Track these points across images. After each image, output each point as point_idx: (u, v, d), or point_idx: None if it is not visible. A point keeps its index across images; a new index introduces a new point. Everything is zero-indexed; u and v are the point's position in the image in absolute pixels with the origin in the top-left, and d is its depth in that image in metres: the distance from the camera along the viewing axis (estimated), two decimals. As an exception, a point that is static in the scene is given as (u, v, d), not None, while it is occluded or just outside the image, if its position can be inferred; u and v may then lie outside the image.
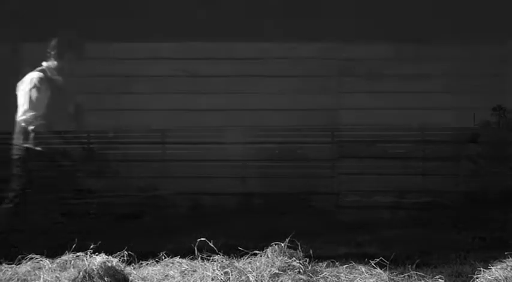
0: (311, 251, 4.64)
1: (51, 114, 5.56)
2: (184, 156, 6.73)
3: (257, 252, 4.73)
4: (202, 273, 4.37)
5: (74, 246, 4.65)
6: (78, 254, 4.55)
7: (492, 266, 4.31)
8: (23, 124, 5.53)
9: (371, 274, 4.36)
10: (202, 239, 4.95)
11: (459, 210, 6.50)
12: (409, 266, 4.59)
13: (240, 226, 6.07)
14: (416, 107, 6.60)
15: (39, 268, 4.46)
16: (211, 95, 6.77)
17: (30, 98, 5.57)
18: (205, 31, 6.71)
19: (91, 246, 4.62)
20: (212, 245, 4.81)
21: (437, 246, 5.68)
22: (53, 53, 5.70)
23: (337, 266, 4.56)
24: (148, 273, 4.49)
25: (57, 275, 4.29)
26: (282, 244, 4.71)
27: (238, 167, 6.68)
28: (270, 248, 4.70)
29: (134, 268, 4.57)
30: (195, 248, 4.83)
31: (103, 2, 6.88)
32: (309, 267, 4.50)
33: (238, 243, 5.25)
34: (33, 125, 5.51)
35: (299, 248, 4.71)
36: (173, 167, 6.79)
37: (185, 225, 6.08)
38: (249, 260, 4.56)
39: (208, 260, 4.59)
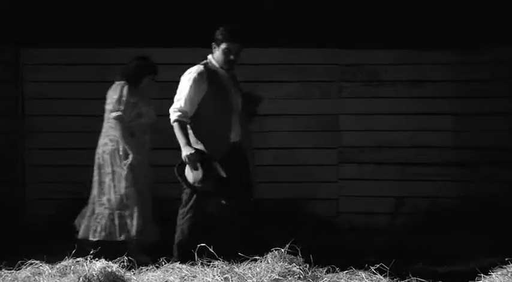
0: (311, 257, 4.63)
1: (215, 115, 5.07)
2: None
3: (257, 257, 4.73)
4: (203, 279, 4.36)
5: (73, 251, 4.64)
6: (78, 259, 4.54)
7: (493, 272, 4.31)
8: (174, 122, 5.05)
9: (371, 280, 4.35)
10: (202, 244, 4.95)
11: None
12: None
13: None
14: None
15: (39, 274, 4.45)
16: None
17: (184, 93, 5.07)
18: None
19: (91, 252, 4.62)
20: (212, 251, 4.81)
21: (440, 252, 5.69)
22: (218, 44, 5.11)
23: (337, 272, 4.55)
24: (148, 279, 4.47)
25: (57, 281, 4.28)
26: (282, 250, 4.71)
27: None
28: (270, 253, 4.69)
29: (134, 274, 4.56)
30: (195, 254, 4.82)
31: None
32: (309, 273, 4.49)
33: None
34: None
35: (299, 253, 4.70)
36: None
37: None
38: (249, 266, 4.55)
39: (209, 265, 4.58)
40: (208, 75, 5.05)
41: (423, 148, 6.79)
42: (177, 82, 5.16)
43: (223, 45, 5.05)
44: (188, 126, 5.05)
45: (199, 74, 5.04)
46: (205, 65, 5.11)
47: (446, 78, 6.86)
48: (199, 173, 4.94)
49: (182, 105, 5.03)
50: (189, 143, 4.96)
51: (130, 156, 5.58)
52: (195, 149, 4.94)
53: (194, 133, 5.06)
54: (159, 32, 6.80)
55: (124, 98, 5.59)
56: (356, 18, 6.71)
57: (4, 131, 6.77)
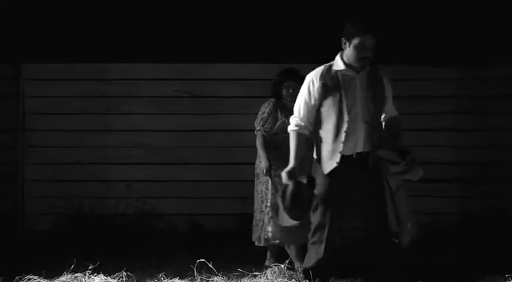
0: (310, 273, 4.60)
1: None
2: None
3: (257, 273, 4.70)
4: (202, 294, 4.35)
5: (72, 266, 4.62)
6: (76, 274, 4.52)
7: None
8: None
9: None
10: (201, 260, 4.93)
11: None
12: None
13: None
14: None
15: (37, 288, 4.44)
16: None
17: (300, 99, 4.66)
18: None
19: (90, 267, 4.59)
20: (211, 266, 4.79)
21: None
22: (348, 39, 4.53)
23: (337, 287, 4.54)
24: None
25: (55, 296, 4.27)
26: (282, 265, 4.69)
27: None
28: (270, 269, 4.67)
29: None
30: (194, 269, 4.80)
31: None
32: (309, 289, 4.48)
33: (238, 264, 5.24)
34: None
35: (299, 269, 4.67)
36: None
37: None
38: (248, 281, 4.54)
39: (208, 281, 4.56)
40: (326, 79, 4.54)
41: (425, 164, 6.75)
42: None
43: (355, 40, 4.47)
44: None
45: (315, 77, 4.58)
46: (328, 66, 4.61)
47: (448, 94, 6.85)
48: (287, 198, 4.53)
49: (299, 113, 4.61)
50: (295, 158, 4.55)
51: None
52: (290, 169, 4.53)
53: (314, 144, 4.64)
54: (161, 47, 6.81)
55: (263, 114, 5.56)
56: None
57: (5, 145, 6.76)
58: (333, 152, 4.52)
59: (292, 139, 4.62)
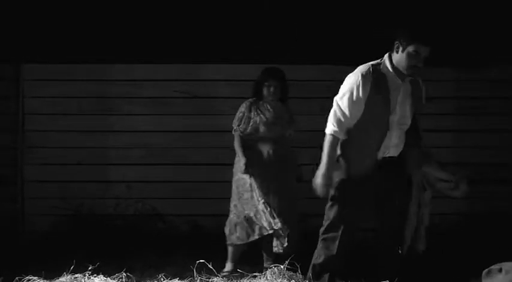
0: (310, 274, 4.60)
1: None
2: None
3: (256, 274, 4.70)
4: (202, 295, 4.34)
5: (72, 267, 4.62)
6: (76, 275, 4.52)
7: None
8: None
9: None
10: (201, 260, 4.93)
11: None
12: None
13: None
14: None
15: (37, 289, 4.44)
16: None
17: (344, 102, 4.36)
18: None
19: (89, 268, 4.59)
20: (211, 267, 4.78)
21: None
22: (403, 44, 4.30)
23: (336, 288, 4.53)
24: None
25: (55, 297, 4.27)
26: (282, 266, 4.68)
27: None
28: (270, 270, 4.66)
29: (134, 289, 4.55)
30: (194, 270, 4.80)
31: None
32: (309, 290, 4.48)
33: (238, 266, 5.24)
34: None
35: (299, 270, 4.67)
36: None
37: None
38: (248, 282, 4.54)
39: (208, 282, 4.56)
40: (375, 79, 4.32)
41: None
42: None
43: (411, 48, 4.26)
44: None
45: (364, 76, 4.31)
46: (376, 65, 4.38)
47: (448, 95, 6.85)
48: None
49: (344, 114, 4.33)
50: (328, 166, 4.31)
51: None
52: (326, 178, 4.34)
53: (341, 146, 4.40)
54: (161, 48, 6.81)
55: (239, 113, 5.61)
56: (357, 35, 6.71)
57: (4, 146, 6.76)
58: (364, 156, 4.39)
59: (328, 144, 4.37)
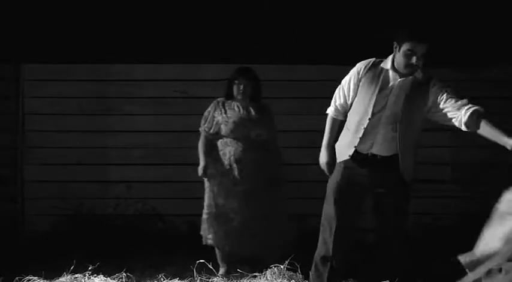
0: (310, 274, 4.61)
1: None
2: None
3: (256, 274, 4.70)
4: (201, 295, 4.35)
5: (72, 267, 4.62)
6: (76, 275, 4.52)
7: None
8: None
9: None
10: (201, 260, 4.93)
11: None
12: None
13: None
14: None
15: (37, 289, 4.44)
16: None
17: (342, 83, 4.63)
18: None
19: (89, 268, 4.60)
20: (211, 267, 4.79)
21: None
22: (399, 43, 4.40)
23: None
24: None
25: (55, 297, 4.28)
26: (282, 266, 4.68)
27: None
28: (269, 270, 4.67)
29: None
30: (194, 270, 4.80)
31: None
32: (309, 290, 4.48)
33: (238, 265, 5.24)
34: None
35: (298, 270, 4.67)
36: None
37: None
38: (248, 282, 4.55)
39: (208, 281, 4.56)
40: (370, 71, 4.49)
41: (421, 164, 6.75)
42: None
43: (405, 46, 4.35)
44: None
45: (362, 66, 4.52)
46: (378, 61, 4.53)
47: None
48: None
49: (337, 97, 4.62)
50: (327, 144, 4.64)
51: None
52: (325, 155, 4.61)
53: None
54: (161, 48, 6.82)
55: (206, 113, 5.60)
56: (357, 35, 6.72)
57: (4, 146, 6.76)
58: (349, 144, 4.50)
59: (327, 123, 4.68)
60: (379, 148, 4.47)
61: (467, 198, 6.73)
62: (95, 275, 4.54)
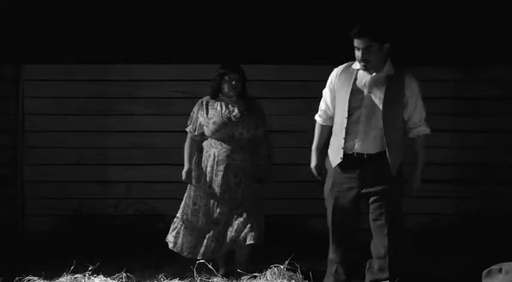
0: (310, 274, 4.61)
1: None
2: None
3: (256, 274, 4.70)
4: (202, 295, 4.35)
5: (72, 267, 4.63)
6: (76, 275, 4.53)
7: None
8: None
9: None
10: (201, 260, 4.93)
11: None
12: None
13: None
14: None
15: (37, 289, 4.45)
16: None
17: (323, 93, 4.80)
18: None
19: (89, 268, 4.60)
20: (211, 267, 4.79)
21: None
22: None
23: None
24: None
25: (55, 297, 4.28)
26: (282, 266, 4.69)
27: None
28: (269, 270, 4.67)
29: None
30: (194, 270, 4.81)
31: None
32: (309, 290, 4.49)
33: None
34: None
35: (298, 270, 4.68)
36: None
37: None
38: (248, 282, 4.55)
39: (208, 282, 4.57)
40: (343, 74, 4.68)
41: (423, 165, 6.76)
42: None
43: (354, 43, 4.57)
44: None
45: (337, 71, 4.74)
46: (351, 63, 4.72)
47: (446, 95, 6.84)
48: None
49: (323, 103, 4.82)
50: (315, 149, 4.83)
51: None
52: (314, 159, 4.81)
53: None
54: (161, 48, 6.82)
55: (191, 113, 5.47)
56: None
57: (4, 146, 6.76)
58: (338, 147, 4.61)
59: (315, 129, 4.86)
60: (363, 146, 4.57)
61: (467, 198, 6.73)
62: (95, 275, 4.55)
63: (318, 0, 6.82)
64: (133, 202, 6.71)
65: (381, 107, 4.53)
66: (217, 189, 5.23)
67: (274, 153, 5.96)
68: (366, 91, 4.57)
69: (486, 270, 4.37)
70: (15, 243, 6.37)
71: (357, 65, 4.63)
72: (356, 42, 4.53)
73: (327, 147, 4.78)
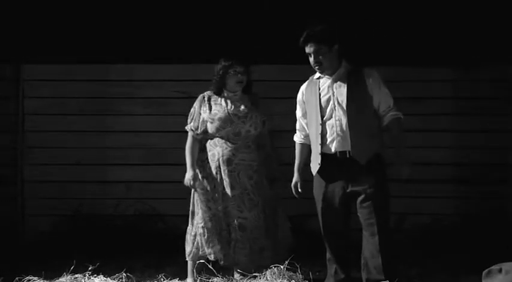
0: (310, 274, 4.61)
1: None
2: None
3: (256, 274, 4.70)
4: (202, 295, 4.35)
5: (72, 267, 4.63)
6: (76, 275, 4.53)
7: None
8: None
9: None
10: (201, 261, 4.93)
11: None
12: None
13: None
14: None
15: (37, 289, 4.45)
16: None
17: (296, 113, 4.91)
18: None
19: (89, 268, 4.60)
20: (211, 268, 4.79)
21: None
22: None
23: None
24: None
25: (55, 297, 4.28)
26: (281, 266, 4.68)
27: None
28: (269, 270, 4.67)
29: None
30: (194, 270, 4.80)
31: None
32: (309, 290, 4.49)
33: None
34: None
35: (298, 270, 4.68)
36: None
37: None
38: (248, 282, 4.55)
39: (208, 282, 4.57)
40: (308, 87, 4.84)
41: (423, 165, 6.76)
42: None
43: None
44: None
45: (301, 88, 4.93)
46: (312, 76, 4.89)
47: (447, 95, 6.85)
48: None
49: (298, 124, 4.96)
50: (296, 168, 4.94)
51: None
52: (294, 177, 4.94)
53: None
54: (160, 48, 6.82)
55: (192, 109, 5.25)
56: (355, 35, 6.71)
57: (4, 147, 6.76)
58: (315, 154, 4.73)
59: (295, 149, 4.96)
60: (344, 144, 4.63)
61: (467, 198, 6.73)
62: (95, 275, 4.54)
63: (318, 0, 6.83)
64: (133, 202, 6.72)
65: (350, 104, 4.62)
66: (228, 191, 4.94)
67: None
68: (330, 93, 4.69)
69: (486, 270, 4.37)
70: (15, 243, 6.38)
71: (317, 75, 4.79)
72: (306, 49, 4.71)
73: (309, 165, 4.86)
